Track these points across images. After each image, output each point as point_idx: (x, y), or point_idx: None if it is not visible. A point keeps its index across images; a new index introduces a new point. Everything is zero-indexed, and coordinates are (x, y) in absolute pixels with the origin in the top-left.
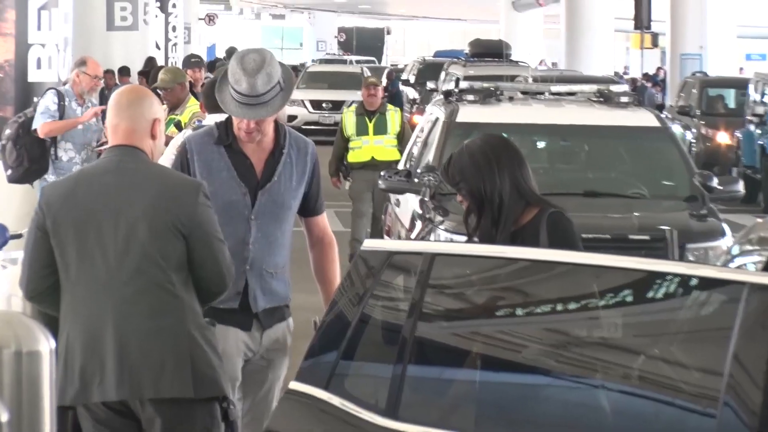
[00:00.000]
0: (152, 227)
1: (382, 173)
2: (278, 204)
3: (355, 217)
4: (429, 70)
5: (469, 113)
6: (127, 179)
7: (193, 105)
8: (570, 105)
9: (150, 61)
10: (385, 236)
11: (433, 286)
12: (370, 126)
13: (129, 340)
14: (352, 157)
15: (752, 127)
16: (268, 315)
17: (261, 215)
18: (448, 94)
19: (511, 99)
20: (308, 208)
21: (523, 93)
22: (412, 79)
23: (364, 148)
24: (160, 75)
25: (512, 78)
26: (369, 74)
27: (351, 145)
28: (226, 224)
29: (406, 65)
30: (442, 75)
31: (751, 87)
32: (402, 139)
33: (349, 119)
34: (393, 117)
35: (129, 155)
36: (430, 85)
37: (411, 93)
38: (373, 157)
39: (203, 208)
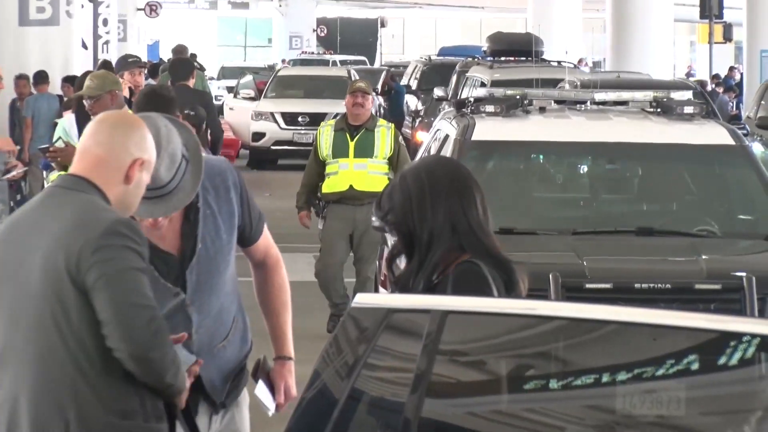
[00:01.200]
0: (47, 275)
1: (375, 206)
2: (212, 272)
3: (320, 272)
4: (436, 72)
5: (489, 129)
6: (42, 216)
7: None
8: (619, 118)
9: (180, 54)
10: (381, 289)
11: (444, 352)
12: (351, 145)
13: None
14: (327, 186)
15: None
16: (231, 391)
17: (196, 296)
18: (461, 104)
19: (542, 110)
20: (244, 239)
21: (558, 102)
22: (414, 85)
23: (340, 174)
24: (87, 81)
25: (556, 83)
26: (357, 77)
27: (327, 170)
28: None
29: (405, 66)
30: (453, 78)
31: None
32: (396, 164)
33: (325, 136)
34: (384, 135)
35: (71, 187)
36: (437, 92)
37: (412, 102)
38: (351, 186)
39: (111, 250)
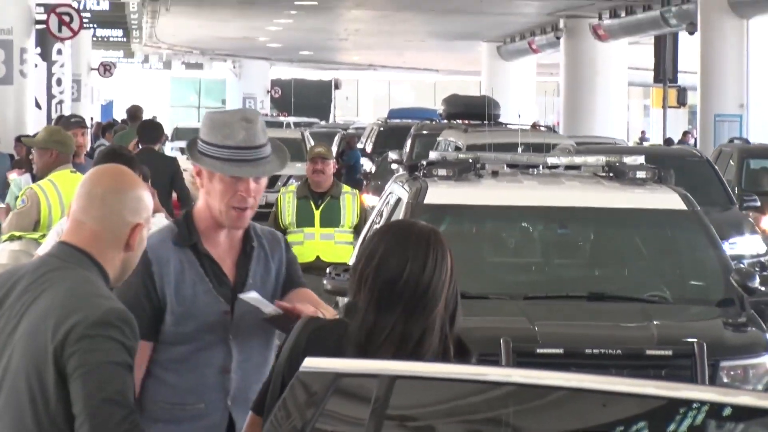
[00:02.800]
0: (30, 350)
1: (328, 270)
2: (258, 313)
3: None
4: (392, 135)
5: (441, 193)
6: (34, 286)
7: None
8: (571, 182)
9: (133, 115)
10: None
11: (393, 417)
12: (317, 214)
13: None
14: None
15: None
16: None
17: (241, 332)
18: (413, 167)
19: (495, 174)
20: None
21: (511, 166)
22: (369, 147)
23: (306, 245)
24: (40, 132)
25: (536, 148)
26: (311, 143)
27: (289, 239)
28: (202, 351)
29: (357, 128)
30: (408, 142)
31: None
32: (361, 232)
33: (287, 203)
34: (349, 203)
35: (67, 260)
36: (392, 155)
37: (367, 165)
38: (318, 258)
39: (97, 341)
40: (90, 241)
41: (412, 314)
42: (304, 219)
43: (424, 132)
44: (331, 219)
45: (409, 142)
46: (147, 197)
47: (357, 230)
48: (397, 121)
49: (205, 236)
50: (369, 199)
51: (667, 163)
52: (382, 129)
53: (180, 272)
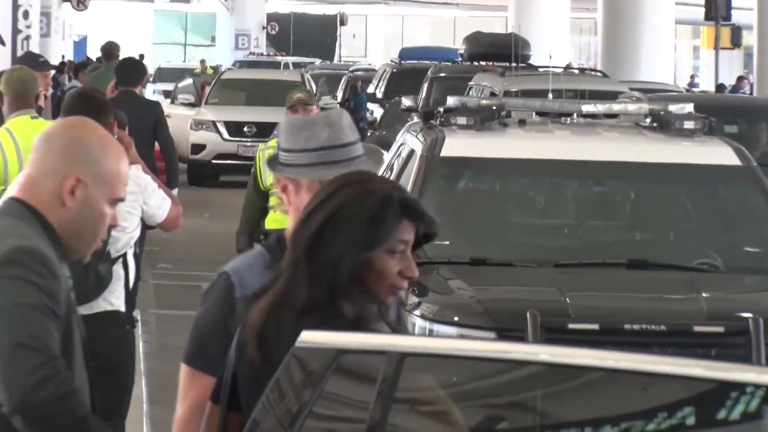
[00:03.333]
0: None
1: None
2: None
3: None
4: (407, 79)
5: (460, 144)
6: None
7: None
8: (609, 133)
9: (109, 53)
10: None
11: (402, 400)
12: None
13: None
14: (273, 222)
15: None
16: None
17: None
18: (428, 115)
19: (522, 123)
20: None
21: (540, 114)
22: (380, 92)
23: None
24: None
25: (615, 96)
26: (313, 86)
27: (270, 202)
28: None
29: (369, 70)
30: (424, 86)
31: None
32: None
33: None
34: None
35: (2, 211)
36: (405, 102)
37: (378, 113)
38: None
39: (4, 282)
40: (25, 188)
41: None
42: None
43: (443, 75)
44: None
45: (425, 86)
46: (104, 157)
47: None
48: (413, 62)
49: None
50: None
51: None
52: (395, 71)
53: None
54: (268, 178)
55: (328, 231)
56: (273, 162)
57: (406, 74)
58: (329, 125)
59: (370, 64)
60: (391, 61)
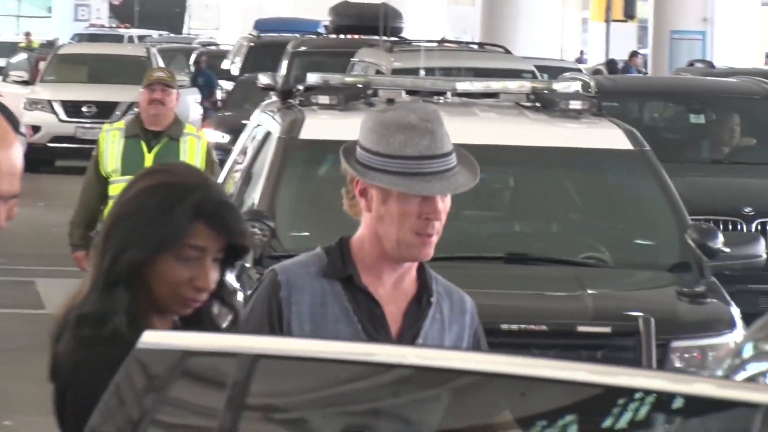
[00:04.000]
0: None
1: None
2: None
3: None
4: (268, 54)
5: (321, 125)
6: None
7: None
8: (487, 113)
9: None
10: None
11: (254, 407)
12: (149, 158)
13: None
14: None
15: None
16: None
17: None
18: (287, 93)
19: (390, 102)
20: None
21: (411, 93)
22: (236, 70)
23: None
24: None
25: (518, 75)
26: (160, 62)
27: (112, 190)
28: None
29: (209, 44)
30: (284, 62)
31: None
32: None
33: (111, 143)
34: (192, 148)
35: None
36: (263, 79)
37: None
38: None
39: None
40: None
41: None
42: (131, 165)
43: (305, 49)
44: None
45: (285, 62)
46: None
47: None
48: (274, 35)
49: (364, 271)
50: (209, 135)
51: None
52: (253, 45)
53: (320, 306)
54: (110, 162)
55: (116, 224)
56: (351, 158)
57: (266, 48)
58: (431, 132)
59: (211, 38)
60: (249, 34)
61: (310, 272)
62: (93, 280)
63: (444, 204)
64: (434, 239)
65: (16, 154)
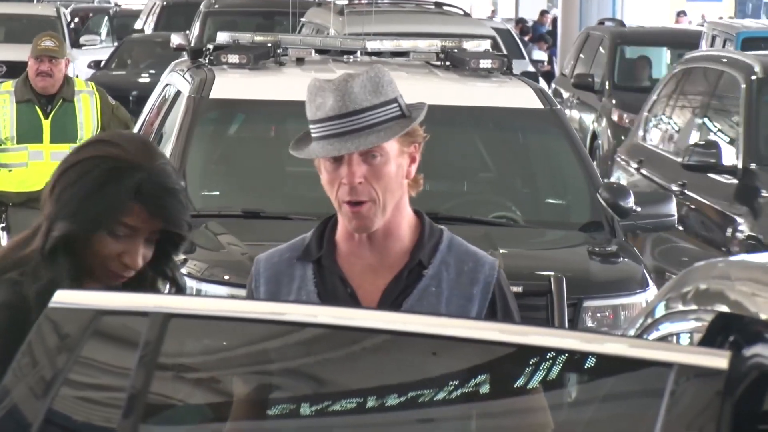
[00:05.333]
0: None
1: None
2: None
3: None
4: (181, 13)
5: (231, 84)
6: None
7: None
8: (397, 72)
9: None
10: None
11: (166, 366)
12: (46, 125)
13: None
14: (8, 182)
15: None
16: None
17: None
18: (197, 52)
19: (300, 61)
20: None
21: (320, 52)
22: (149, 30)
23: (31, 167)
24: None
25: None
26: (66, 21)
27: (4, 159)
28: None
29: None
30: (197, 22)
31: (702, 45)
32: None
33: (1, 109)
34: (87, 106)
35: None
36: (175, 39)
37: None
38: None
39: None
40: None
41: None
42: (28, 132)
43: (218, 9)
44: (66, 131)
45: (198, 22)
46: None
47: None
48: None
49: (342, 249)
50: None
51: None
52: (166, 4)
53: (287, 294)
54: (3, 130)
55: (56, 190)
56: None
57: (179, 8)
58: (342, 91)
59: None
60: None
61: (284, 259)
62: (39, 242)
63: (371, 166)
64: (366, 208)
65: None
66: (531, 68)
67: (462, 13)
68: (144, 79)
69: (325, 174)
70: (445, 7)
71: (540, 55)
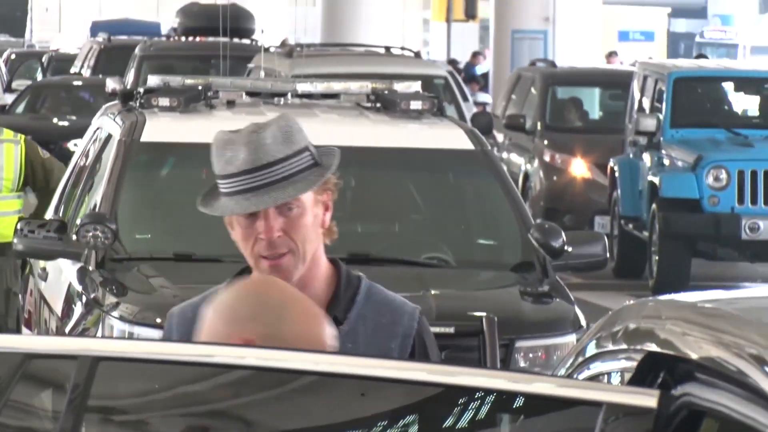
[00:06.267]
0: None
1: (18, 226)
2: None
3: None
4: (120, 58)
5: (162, 128)
6: None
7: None
8: (327, 114)
9: None
10: (24, 329)
11: (95, 409)
12: None
13: None
14: None
15: (635, 153)
16: None
17: None
18: (127, 96)
19: (231, 104)
20: None
21: (251, 94)
22: (87, 73)
23: None
24: None
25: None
26: (3, 71)
27: None
28: None
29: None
30: (132, 66)
31: (633, 85)
32: (43, 182)
33: None
34: (10, 152)
35: None
36: (111, 84)
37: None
38: None
39: None
40: None
41: None
42: None
43: (154, 52)
44: None
45: (133, 66)
46: None
47: (35, 183)
48: (125, 38)
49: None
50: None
51: None
52: (103, 48)
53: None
54: None
55: None
56: (212, 187)
57: (117, 51)
58: (251, 144)
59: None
60: (100, 36)
61: (198, 315)
62: None
63: (288, 218)
64: (285, 260)
65: None
66: (475, 110)
67: (412, 54)
68: (46, 123)
69: (239, 229)
70: (393, 50)
71: (485, 97)
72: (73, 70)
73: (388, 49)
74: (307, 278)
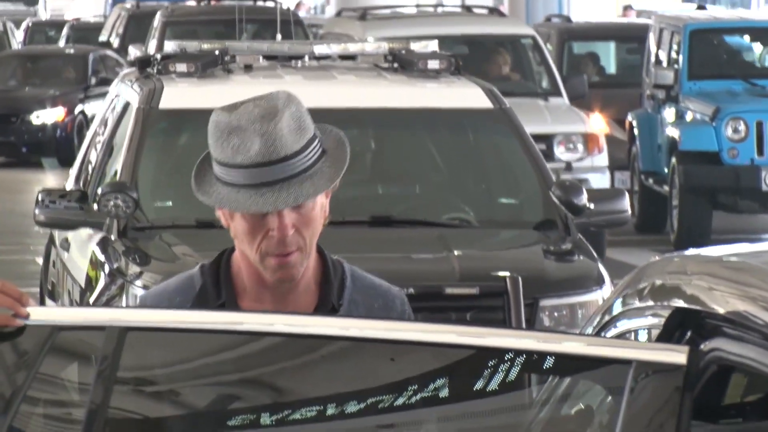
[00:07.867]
0: None
1: (39, 197)
2: None
3: None
4: (147, 24)
5: (179, 94)
6: None
7: None
8: (345, 76)
9: None
10: (48, 300)
11: (125, 380)
12: None
13: None
14: None
15: (653, 107)
16: None
17: None
18: (144, 62)
19: (248, 68)
20: None
21: (268, 58)
22: (116, 41)
23: None
24: None
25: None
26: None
27: None
28: None
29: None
30: (156, 32)
31: (650, 39)
32: None
33: None
34: None
35: None
36: (133, 51)
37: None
38: None
39: None
40: None
41: None
42: None
43: (176, 19)
44: None
45: (156, 33)
46: None
47: None
48: (153, 3)
49: (243, 293)
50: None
51: None
52: (132, 15)
53: None
54: None
55: None
56: (201, 170)
57: (146, 18)
58: (264, 134)
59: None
60: (128, 3)
61: (174, 305)
62: None
63: (299, 214)
64: (294, 257)
65: None
66: None
67: (498, 14)
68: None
69: (242, 223)
70: (473, 10)
71: None
72: (101, 38)
73: (468, 9)
74: (305, 268)
